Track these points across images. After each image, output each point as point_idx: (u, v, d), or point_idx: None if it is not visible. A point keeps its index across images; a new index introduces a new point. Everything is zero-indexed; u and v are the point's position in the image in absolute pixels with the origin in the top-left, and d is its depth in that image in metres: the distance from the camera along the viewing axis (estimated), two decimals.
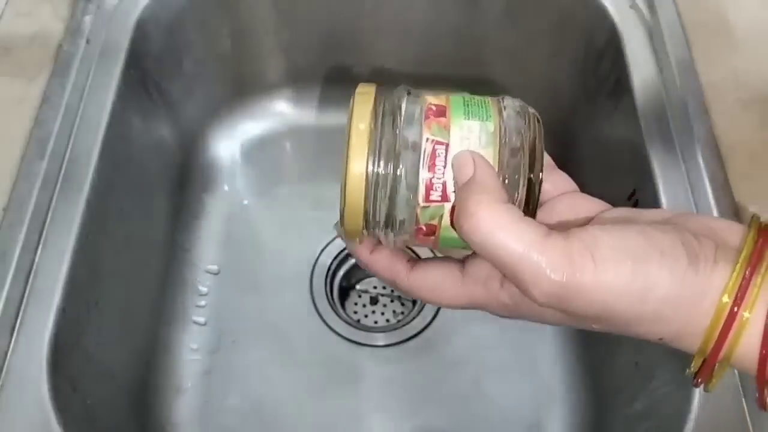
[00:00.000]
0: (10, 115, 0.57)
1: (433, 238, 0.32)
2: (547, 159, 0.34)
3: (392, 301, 0.78)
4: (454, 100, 0.32)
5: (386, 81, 0.90)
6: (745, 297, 0.27)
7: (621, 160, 0.64)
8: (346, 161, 0.30)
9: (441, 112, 0.31)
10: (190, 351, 0.71)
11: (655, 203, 0.56)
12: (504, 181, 0.30)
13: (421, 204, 0.30)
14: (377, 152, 0.30)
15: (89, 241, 0.55)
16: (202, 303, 0.74)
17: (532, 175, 0.31)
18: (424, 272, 0.33)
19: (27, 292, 0.51)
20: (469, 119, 0.31)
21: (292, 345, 0.72)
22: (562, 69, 0.75)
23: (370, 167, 0.30)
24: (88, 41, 0.64)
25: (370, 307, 0.78)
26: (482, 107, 0.32)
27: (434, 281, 0.33)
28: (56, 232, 0.53)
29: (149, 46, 0.68)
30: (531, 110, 0.32)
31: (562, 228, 0.31)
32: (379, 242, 0.33)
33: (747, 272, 0.27)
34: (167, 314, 0.72)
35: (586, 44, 0.70)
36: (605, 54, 0.68)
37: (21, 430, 0.47)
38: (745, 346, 0.27)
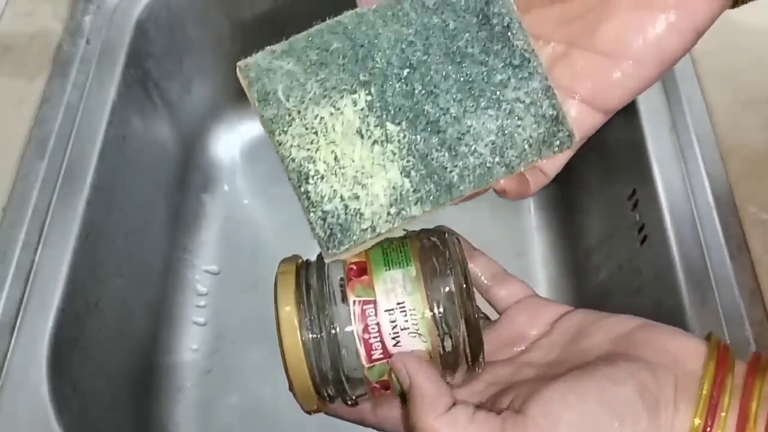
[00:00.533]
0: (10, 114, 0.57)
1: (390, 390, 0.32)
2: (497, 267, 0.35)
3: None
4: (374, 254, 0.31)
5: None
6: (714, 426, 0.27)
7: (621, 161, 0.64)
8: (281, 343, 0.31)
9: (362, 269, 0.31)
10: (190, 351, 0.71)
11: (655, 204, 0.56)
12: (441, 320, 0.30)
13: (366, 365, 0.30)
14: (309, 326, 0.30)
15: (89, 241, 0.55)
16: (202, 303, 0.74)
17: (467, 310, 0.30)
18: (388, 408, 0.33)
19: (27, 292, 0.51)
20: (390, 269, 0.31)
21: None
22: None
23: (307, 341, 0.30)
24: (88, 41, 0.64)
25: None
26: (401, 252, 0.31)
27: (399, 415, 0.33)
28: (56, 231, 0.53)
29: (149, 46, 0.68)
30: (449, 236, 0.32)
31: (521, 339, 0.33)
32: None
33: (711, 403, 0.28)
34: (167, 314, 0.72)
35: None
36: None
37: (21, 430, 0.47)
38: None
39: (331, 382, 0.31)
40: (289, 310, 0.30)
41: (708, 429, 0.27)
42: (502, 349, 0.34)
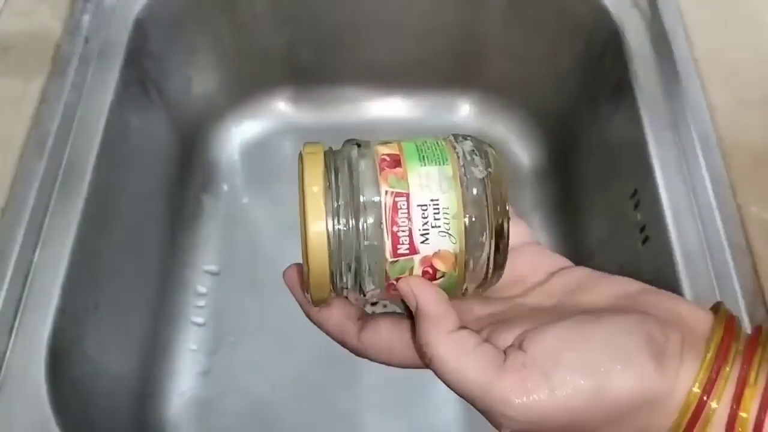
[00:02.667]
0: (8, 114, 0.57)
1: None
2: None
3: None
4: (407, 147, 0.31)
5: (386, 80, 0.91)
6: (714, 388, 0.27)
7: (622, 160, 0.64)
8: (304, 226, 0.29)
9: (396, 161, 0.30)
10: (190, 351, 0.71)
11: (656, 203, 0.56)
12: (471, 229, 0.29)
13: (390, 259, 0.29)
14: (336, 213, 0.29)
15: (88, 241, 0.55)
16: (202, 303, 0.74)
17: (499, 220, 0.30)
18: (374, 332, 0.32)
19: (26, 292, 0.51)
20: (425, 165, 0.30)
21: (291, 345, 0.72)
22: (563, 68, 0.75)
23: (331, 228, 0.29)
24: (86, 40, 0.63)
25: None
26: (437, 150, 0.30)
27: (384, 343, 0.32)
28: (55, 232, 0.53)
29: (148, 46, 0.68)
30: (487, 148, 0.31)
31: (519, 283, 0.33)
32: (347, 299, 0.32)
33: (714, 367, 0.28)
34: (166, 314, 0.72)
35: (587, 43, 0.70)
36: (606, 53, 0.68)
37: (20, 430, 0.47)
38: None
39: (350, 271, 0.30)
40: (316, 191, 0.29)
41: (705, 396, 0.27)
42: (499, 288, 0.33)
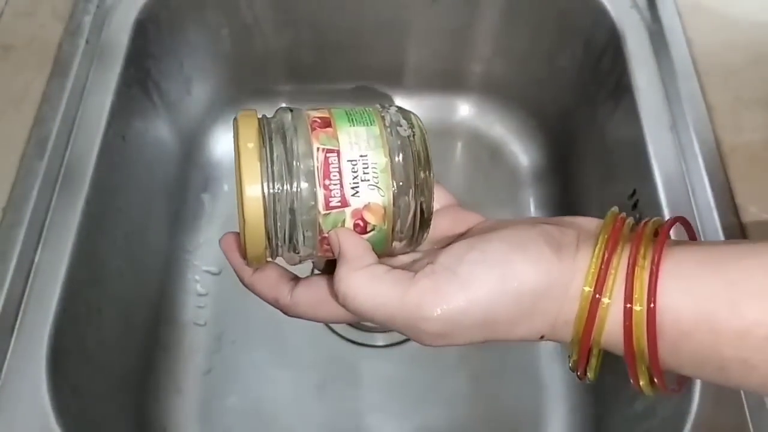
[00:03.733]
0: (9, 114, 0.57)
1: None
2: None
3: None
4: (337, 112, 0.33)
5: (386, 80, 0.90)
6: (605, 284, 0.28)
7: (621, 160, 0.64)
8: (240, 184, 0.30)
9: (326, 123, 0.32)
10: (190, 351, 0.71)
11: (655, 203, 0.56)
12: (398, 183, 0.31)
13: (322, 212, 0.31)
14: (270, 170, 0.30)
15: (89, 241, 0.55)
16: (202, 303, 0.74)
17: (422, 174, 0.32)
18: (307, 288, 0.33)
19: (27, 292, 0.51)
20: (354, 126, 0.32)
21: (291, 345, 0.72)
22: (563, 69, 0.75)
23: (266, 186, 0.30)
24: (87, 41, 0.63)
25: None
26: (364, 115, 0.32)
27: (314, 298, 0.33)
28: (56, 232, 0.53)
29: (149, 46, 0.68)
30: (411, 114, 0.33)
31: (443, 242, 0.34)
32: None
33: (605, 256, 0.29)
34: (167, 315, 0.72)
35: (587, 44, 0.70)
36: (605, 53, 0.68)
37: (20, 430, 0.47)
38: (612, 328, 0.29)
39: (286, 226, 0.31)
40: (251, 147, 0.30)
41: (597, 293, 0.28)
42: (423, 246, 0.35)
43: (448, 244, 0.32)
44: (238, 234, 0.33)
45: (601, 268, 0.29)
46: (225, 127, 0.83)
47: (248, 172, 0.30)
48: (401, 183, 0.31)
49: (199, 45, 0.75)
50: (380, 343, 0.72)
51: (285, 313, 0.34)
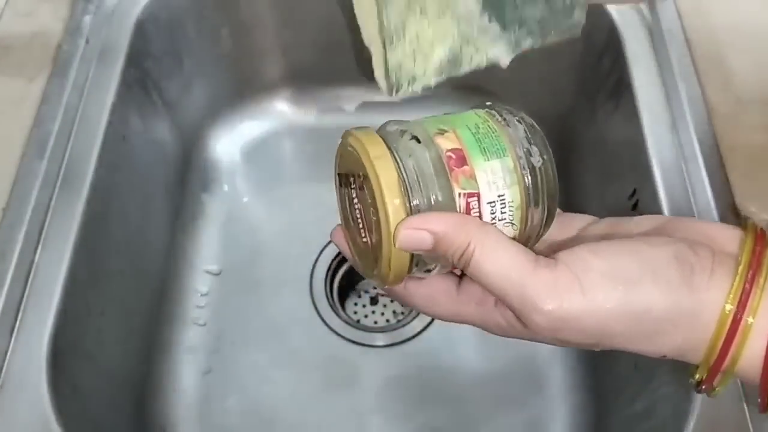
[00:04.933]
0: (9, 115, 0.57)
1: None
2: None
3: (392, 301, 0.78)
4: (466, 138, 0.31)
5: None
6: (749, 303, 0.27)
7: (621, 160, 0.64)
8: (387, 236, 0.30)
9: (461, 159, 0.30)
10: (190, 351, 0.71)
11: (655, 203, 0.56)
12: (532, 219, 0.31)
13: None
14: (408, 185, 0.30)
15: (89, 241, 0.55)
16: (202, 303, 0.74)
17: (552, 203, 0.32)
18: (419, 282, 0.33)
19: (27, 292, 0.51)
20: (489, 160, 0.31)
21: (291, 345, 0.72)
22: (562, 68, 0.75)
23: (408, 202, 0.30)
24: (87, 41, 0.63)
25: (370, 307, 0.78)
26: (494, 139, 0.31)
27: (429, 292, 0.33)
28: (56, 232, 0.53)
29: (149, 46, 0.68)
30: (538, 131, 0.32)
31: (551, 250, 0.32)
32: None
33: (748, 278, 0.27)
34: (167, 315, 0.72)
35: (586, 43, 0.70)
36: (605, 53, 0.68)
37: (20, 430, 0.47)
38: (750, 352, 0.27)
39: (423, 259, 0.31)
40: (398, 203, 0.29)
41: (740, 312, 0.27)
42: None
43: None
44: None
45: (744, 287, 0.27)
46: (225, 127, 0.83)
47: (396, 226, 0.29)
48: (533, 216, 0.31)
49: (199, 45, 0.75)
50: (380, 343, 0.72)
51: (400, 302, 0.35)
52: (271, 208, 0.80)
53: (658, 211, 0.55)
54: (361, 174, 0.31)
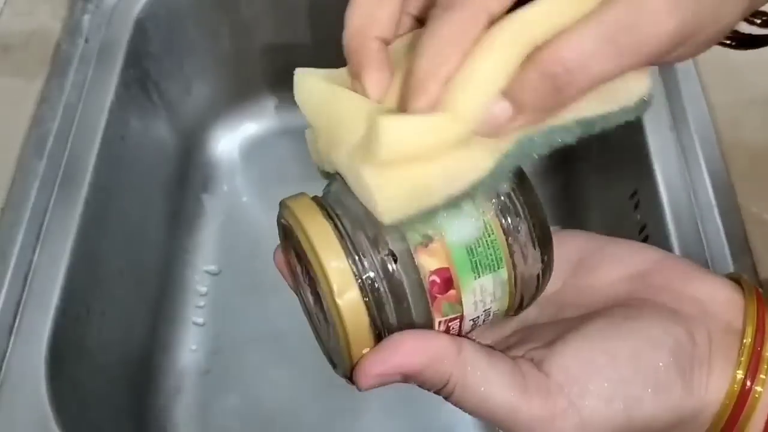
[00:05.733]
0: (8, 114, 0.57)
1: None
2: None
3: None
4: (458, 257, 0.26)
5: None
6: (757, 372, 0.26)
7: (622, 160, 0.64)
8: (345, 349, 0.25)
9: (446, 281, 0.25)
10: (190, 351, 0.71)
11: (656, 204, 0.56)
12: (521, 305, 0.28)
13: None
14: (356, 260, 0.25)
15: (88, 241, 0.55)
16: (202, 303, 0.74)
17: (542, 281, 0.28)
18: None
19: (25, 292, 0.51)
20: (479, 277, 0.26)
21: (291, 345, 0.72)
22: None
23: (359, 280, 0.25)
24: (86, 40, 0.63)
25: None
26: (490, 251, 0.26)
27: None
28: (55, 232, 0.53)
29: (148, 46, 0.68)
30: (545, 229, 0.27)
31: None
32: None
33: (755, 347, 0.26)
34: (166, 315, 0.72)
35: None
36: None
37: (20, 431, 0.47)
38: (759, 425, 0.26)
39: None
40: (364, 332, 0.25)
41: (748, 383, 0.26)
42: None
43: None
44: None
45: (752, 357, 0.26)
46: (224, 127, 0.83)
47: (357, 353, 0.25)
48: (523, 295, 0.28)
49: (198, 44, 0.75)
50: None
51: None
52: (270, 207, 0.80)
53: (658, 210, 0.55)
54: (310, 272, 0.26)
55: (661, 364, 0.26)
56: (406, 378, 0.26)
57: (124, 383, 0.64)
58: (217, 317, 0.73)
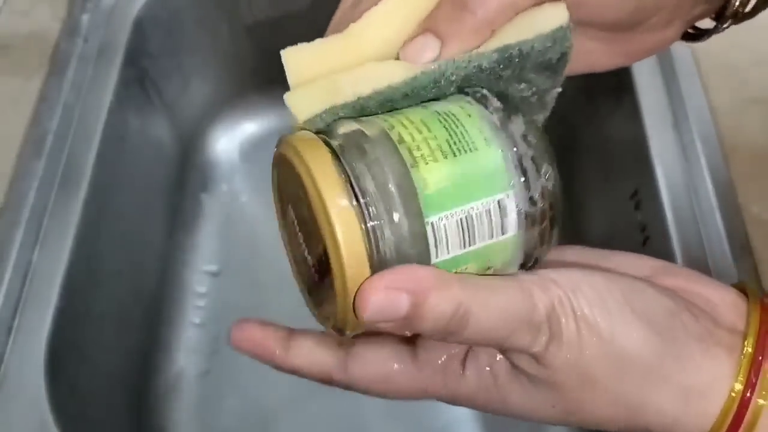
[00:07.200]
0: (7, 113, 0.57)
1: None
2: None
3: None
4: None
5: None
6: (758, 382, 0.25)
7: (623, 160, 0.64)
8: (341, 283, 0.24)
9: None
10: (189, 352, 0.71)
11: (656, 204, 0.56)
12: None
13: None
14: (361, 203, 0.24)
15: (87, 241, 0.55)
16: (201, 304, 0.74)
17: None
18: (364, 362, 0.28)
19: (25, 292, 0.50)
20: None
21: None
22: None
23: (363, 224, 0.24)
24: (85, 40, 0.63)
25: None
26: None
27: (379, 372, 0.27)
28: (54, 231, 0.53)
29: (147, 45, 0.68)
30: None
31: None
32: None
33: (756, 356, 0.26)
34: (165, 315, 0.72)
35: None
36: None
37: (19, 431, 0.47)
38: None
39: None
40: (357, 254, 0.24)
41: (749, 392, 0.25)
42: None
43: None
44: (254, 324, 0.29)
45: (752, 366, 0.25)
46: (224, 127, 0.82)
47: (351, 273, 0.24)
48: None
49: (198, 44, 0.75)
50: None
51: (347, 389, 0.29)
52: (270, 207, 0.79)
53: (659, 210, 0.55)
54: (302, 195, 0.26)
55: (662, 310, 0.26)
56: (412, 307, 0.24)
57: (123, 383, 0.64)
58: (217, 317, 0.73)
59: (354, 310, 0.24)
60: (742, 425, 0.25)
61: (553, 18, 0.28)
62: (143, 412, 0.66)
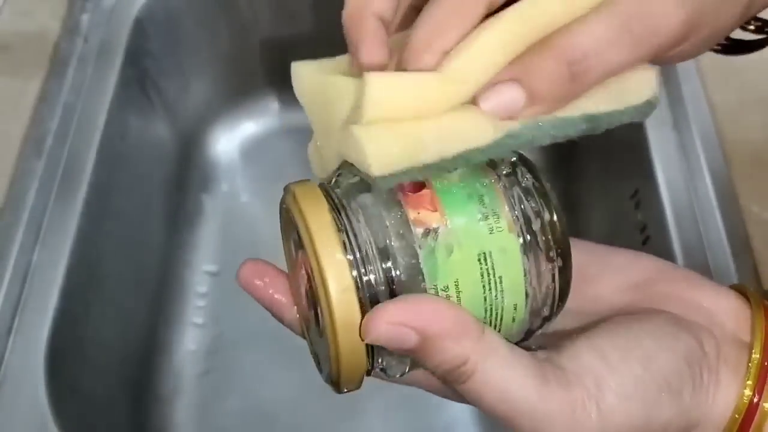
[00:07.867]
0: (7, 113, 0.57)
1: None
2: None
3: None
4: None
5: None
6: (764, 387, 0.25)
7: (623, 160, 0.64)
8: (322, 287, 0.23)
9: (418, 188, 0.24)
10: (189, 352, 0.71)
11: (657, 203, 0.56)
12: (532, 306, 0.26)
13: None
14: (356, 257, 0.23)
15: (87, 241, 0.55)
16: (201, 304, 0.74)
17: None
18: None
19: (25, 292, 0.50)
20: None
21: (291, 346, 0.71)
22: None
23: (356, 276, 0.23)
24: (85, 40, 0.63)
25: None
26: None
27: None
28: (53, 232, 0.53)
29: (147, 45, 0.68)
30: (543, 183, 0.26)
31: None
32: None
33: (764, 362, 0.26)
34: (165, 315, 0.72)
35: None
36: None
37: (19, 431, 0.47)
38: None
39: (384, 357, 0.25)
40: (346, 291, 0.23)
41: (756, 399, 0.25)
42: None
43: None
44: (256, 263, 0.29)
45: (760, 373, 0.26)
46: (223, 126, 0.82)
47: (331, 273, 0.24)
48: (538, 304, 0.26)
49: (198, 44, 0.75)
50: None
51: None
52: (270, 207, 0.79)
53: (659, 210, 0.55)
54: (306, 264, 0.25)
55: (673, 368, 0.25)
56: (420, 345, 0.23)
57: (123, 384, 0.63)
58: (217, 317, 0.73)
59: (349, 370, 0.24)
60: (751, 429, 0.25)
61: (645, 89, 0.26)
62: (143, 412, 0.66)
